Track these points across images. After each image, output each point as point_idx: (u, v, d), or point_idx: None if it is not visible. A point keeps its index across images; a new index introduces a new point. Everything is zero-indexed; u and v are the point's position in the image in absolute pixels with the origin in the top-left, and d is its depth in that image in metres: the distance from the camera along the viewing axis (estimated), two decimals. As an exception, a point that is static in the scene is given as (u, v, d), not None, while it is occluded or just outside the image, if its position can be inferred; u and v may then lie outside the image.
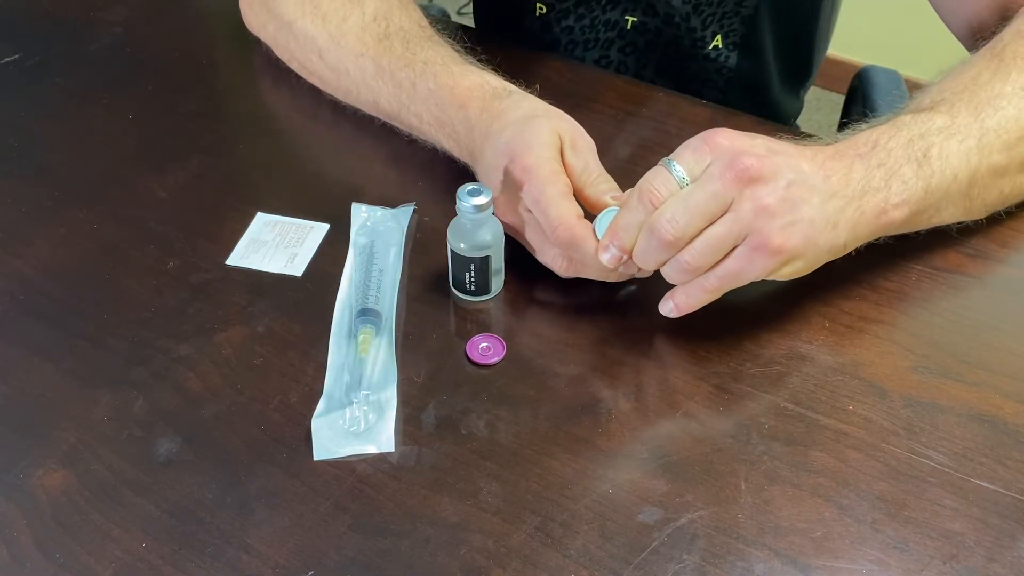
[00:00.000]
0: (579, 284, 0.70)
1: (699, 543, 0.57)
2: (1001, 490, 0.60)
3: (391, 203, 0.78)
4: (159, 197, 0.80)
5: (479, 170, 0.74)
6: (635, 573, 0.56)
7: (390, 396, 0.64)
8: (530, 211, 0.68)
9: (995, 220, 0.79)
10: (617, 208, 0.66)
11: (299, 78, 0.91)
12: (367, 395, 0.64)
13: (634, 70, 1.02)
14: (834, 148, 0.64)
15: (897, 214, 0.64)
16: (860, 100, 1.13)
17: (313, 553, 0.57)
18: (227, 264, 0.74)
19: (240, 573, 0.56)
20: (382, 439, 0.62)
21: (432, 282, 0.72)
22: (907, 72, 1.17)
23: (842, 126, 1.21)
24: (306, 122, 0.90)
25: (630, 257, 0.64)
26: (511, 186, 0.69)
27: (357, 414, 0.63)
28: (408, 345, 0.68)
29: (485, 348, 0.67)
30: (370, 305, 0.69)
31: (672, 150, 0.78)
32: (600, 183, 0.69)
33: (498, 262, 0.70)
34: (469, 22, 1.15)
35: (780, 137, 0.64)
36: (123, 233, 0.77)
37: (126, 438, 0.63)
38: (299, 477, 0.60)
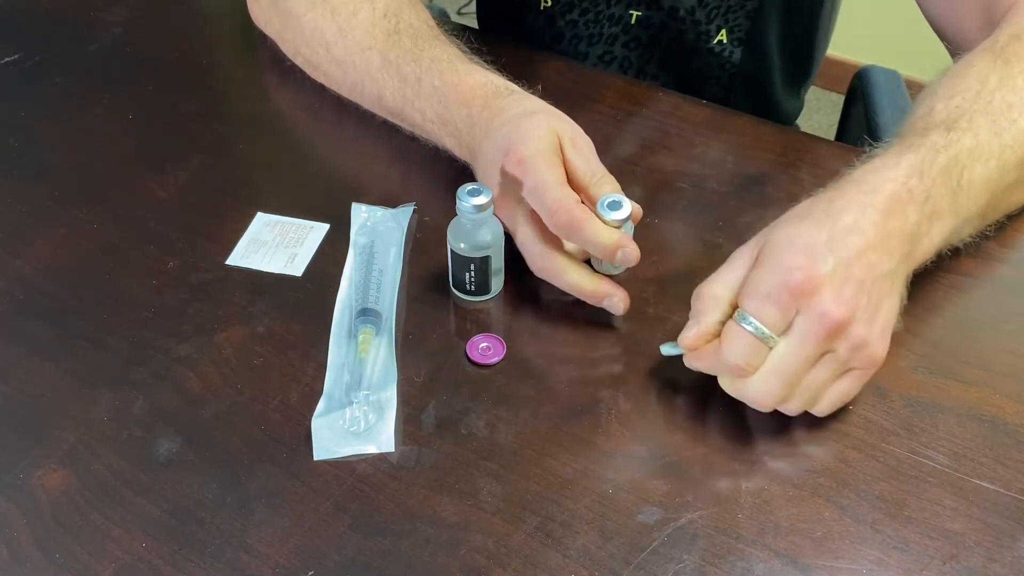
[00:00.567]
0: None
1: (699, 543, 0.57)
2: (1001, 490, 0.60)
3: (391, 203, 0.78)
4: (159, 197, 0.80)
5: (478, 167, 0.74)
6: (635, 573, 0.56)
7: (390, 396, 0.64)
8: (524, 203, 0.67)
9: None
10: (616, 196, 0.66)
11: (300, 78, 0.91)
12: (367, 395, 0.64)
13: (638, 66, 1.02)
14: (888, 202, 0.60)
15: (932, 246, 0.64)
16: (860, 100, 1.13)
17: (313, 553, 0.57)
18: (227, 264, 0.74)
19: (240, 573, 0.56)
20: (382, 439, 0.62)
21: (432, 282, 0.72)
22: (907, 72, 1.17)
23: (842, 127, 1.21)
24: (306, 122, 0.89)
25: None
26: (507, 181, 0.69)
27: (357, 414, 0.63)
28: (408, 345, 0.68)
29: (485, 348, 0.67)
30: (370, 305, 0.69)
31: (672, 150, 0.78)
32: (604, 183, 0.68)
33: (498, 262, 0.70)
34: (469, 22, 1.14)
35: (817, 193, 0.62)
36: (123, 233, 0.77)
37: (126, 438, 0.63)
38: (299, 477, 0.60)
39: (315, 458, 0.61)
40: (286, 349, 0.68)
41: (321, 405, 0.64)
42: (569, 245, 0.69)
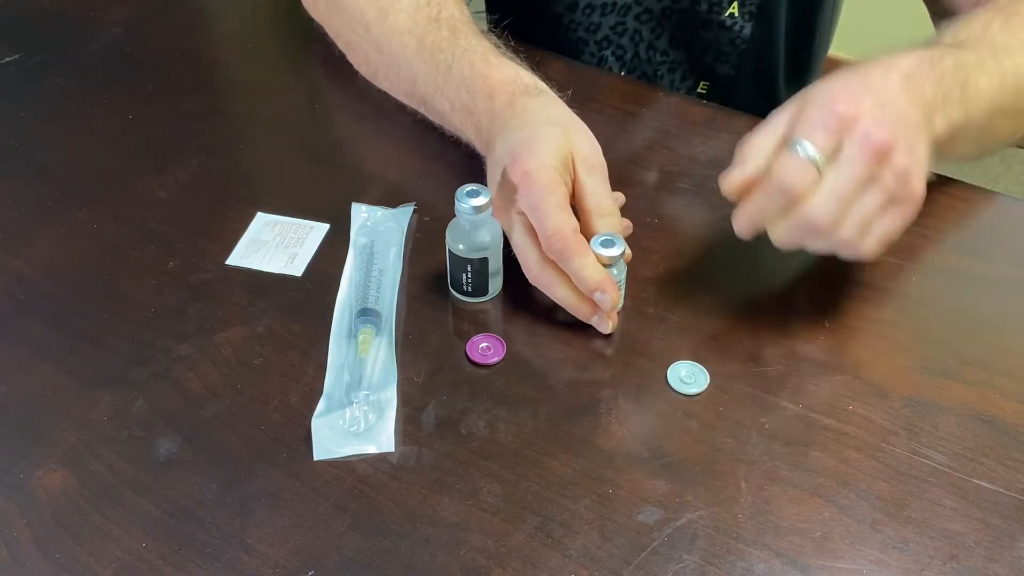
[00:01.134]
0: (579, 284, 0.70)
1: (699, 543, 0.57)
2: (1001, 490, 0.60)
3: (391, 203, 0.78)
4: (159, 197, 0.80)
5: (488, 163, 0.74)
6: (635, 573, 0.56)
7: (390, 396, 0.64)
8: (521, 214, 0.67)
9: (995, 219, 0.79)
10: (611, 236, 0.66)
11: (299, 78, 0.91)
12: (367, 395, 0.64)
13: (648, 40, 1.01)
14: (907, 72, 0.65)
15: (945, 133, 0.66)
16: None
17: (313, 553, 0.57)
18: (227, 264, 0.74)
19: (240, 573, 0.56)
20: (382, 439, 0.62)
21: (432, 282, 0.72)
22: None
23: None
24: (306, 122, 0.90)
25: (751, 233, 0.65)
26: (508, 188, 0.68)
27: (357, 414, 0.63)
28: (408, 345, 0.68)
29: (485, 348, 0.68)
30: (370, 305, 0.69)
31: (672, 150, 0.78)
32: (607, 219, 0.68)
33: (496, 264, 0.70)
34: (475, 7, 1.14)
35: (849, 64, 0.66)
36: (123, 233, 0.77)
37: (126, 438, 0.63)
38: (299, 477, 0.60)
39: (315, 458, 0.61)
40: (286, 349, 0.68)
41: (321, 405, 0.64)
42: None
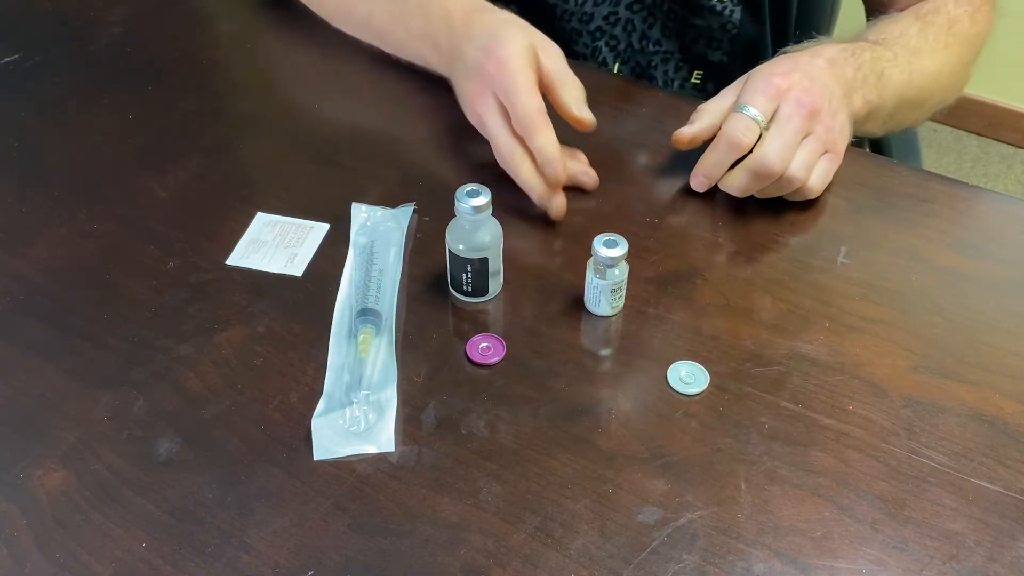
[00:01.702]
0: (580, 284, 0.70)
1: (699, 543, 0.57)
2: (1001, 490, 0.60)
3: (391, 203, 0.78)
4: (159, 197, 0.80)
5: (457, 71, 0.81)
6: (635, 573, 0.56)
7: (390, 396, 0.64)
8: (495, 99, 0.76)
9: (995, 219, 0.79)
10: (613, 236, 0.68)
11: (299, 78, 0.91)
12: (367, 395, 0.64)
13: (641, 30, 1.02)
14: (831, 58, 0.78)
15: (862, 110, 0.80)
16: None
17: (313, 553, 0.57)
18: (227, 264, 0.74)
19: (240, 573, 0.56)
20: (382, 439, 0.62)
21: (432, 282, 0.72)
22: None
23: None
24: (306, 122, 0.89)
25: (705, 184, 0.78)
26: (485, 78, 0.76)
27: (357, 414, 0.63)
28: (408, 345, 0.68)
29: (485, 348, 0.68)
30: (370, 305, 0.69)
31: (671, 149, 0.78)
32: (571, 88, 0.78)
33: (496, 264, 0.70)
34: None
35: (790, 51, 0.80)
36: (123, 233, 0.77)
37: (126, 438, 0.63)
38: (299, 477, 0.60)
39: (315, 458, 0.61)
40: (286, 349, 0.68)
41: (321, 405, 0.64)
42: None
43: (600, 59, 1.02)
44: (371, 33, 0.92)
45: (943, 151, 2.30)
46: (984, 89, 2.27)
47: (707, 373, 0.66)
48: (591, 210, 0.78)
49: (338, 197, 0.78)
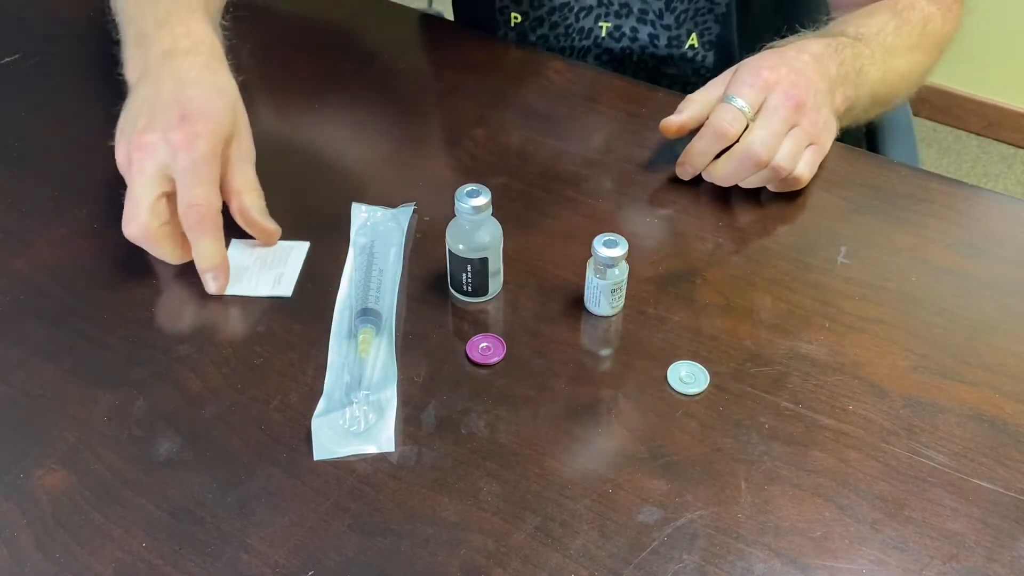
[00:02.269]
0: (580, 284, 0.70)
1: (699, 543, 0.57)
2: (1001, 490, 0.60)
3: (391, 203, 0.78)
4: (159, 197, 0.80)
5: (136, 97, 0.72)
6: (635, 573, 0.56)
7: (390, 396, 0.64)
8: (161, 167, 0.68)
9: (995, 219, 0.79)
10: (613, 236, 0.67)
11: (298, 77, 0.90)
12: (367, 395, 0.64)
13: None
14: (816, 53, 0.80)
15: (842, 105, 0.81)
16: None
17: (313, 553, 0.57)
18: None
19: (240, 573, 0.56)
20: (382, 439, 0.62)
21: (432, 282, 0.72)
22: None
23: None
24: (306, 121, 0.89)
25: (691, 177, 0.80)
26: (166, 139, 0.68)
27: (357, 414, 0.63)
28: (408, 345, 0.68)
29: (485, 348, 0.68)
30: (370, 305, 0.69)
31: (671, 150, 0.78)
32: (255, 195, 0.73)
33: (496, 264, 0.70)
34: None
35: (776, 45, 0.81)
36: (123, 233, 0.76)
37: (126, 438, 0.63)
38: (299, 477, 0.60)
39: (315, 458, 0.61)
40: (286, 349, 0.68)
41: (321, 405, 0.64)
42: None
43: None
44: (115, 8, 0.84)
45: (943, 151, 2.30)
46: (984, 89, 2.27)
47: (707, 373, 0.66)
48: (591, 210, 0.78)
49: (338, 197, 0.78)
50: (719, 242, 0.76)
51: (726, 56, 1.00)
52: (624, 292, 0.69)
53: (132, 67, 0.77)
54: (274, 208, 0.78)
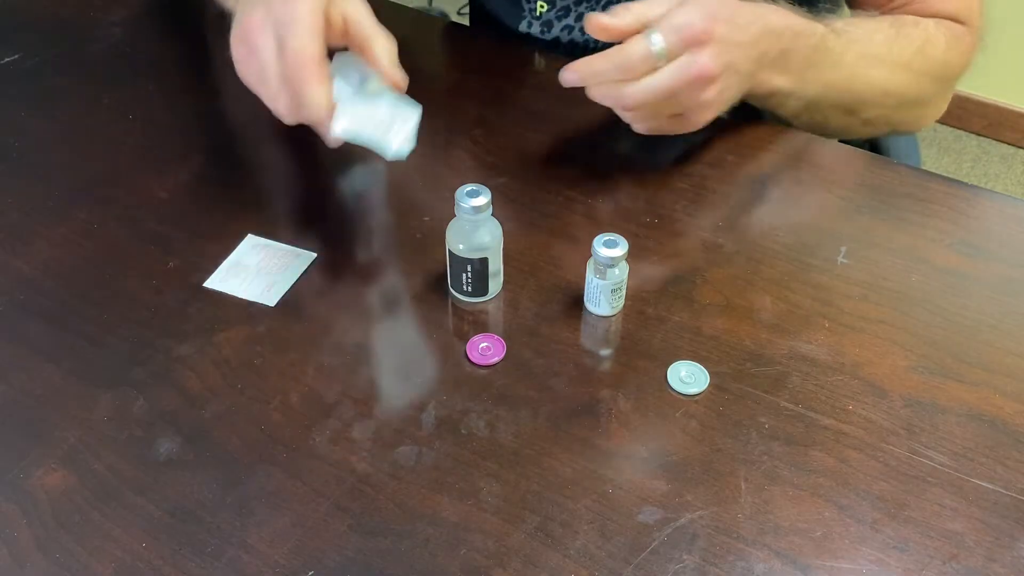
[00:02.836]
0: (580, 284, 0.70)
1: (699, 543, 0.57)
2: (1001, 490, 0.60)
3: (391, 203, 0.77)
4: (159, 197, 0.80)
5: (241, 3, 0.74)
6: (635, 573, 0.56)
7: (414, 111, 0.69)
8: (274, 38, 0.69)
9: (995, 219, 0.79)
10: (613, 236, 0.67)
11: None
12: (390, 92, 0.69)
13: None
14: (772, 26, 0.76)
15: (763, 87, 0.78)
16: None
17: (313, 553, 0.57)
18: (204, 286, 0.72)
19: (240, 573, 0.56)
20: (400, 140, 0.67)
21: (432, 282, 0.72)
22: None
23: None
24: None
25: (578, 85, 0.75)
26: (269, 8, 0.69)
27: (380, 114, 0.67)
28: (408, 345, 0.68)
29: (485, 348, 0.68)
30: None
31: (671, 147, 0.78)
32: (382, 40, 0.72)
33: (496, 264, 0.70)
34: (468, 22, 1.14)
35: None
36: (123, 233, 0.77)
37: (126, 438, 0.63)
38: (299, 477, 0.60)
39: (335, 132, 0.65)
40: (286, 349, 0.68)
41: (338, 111, 0.67)
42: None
43: None
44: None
45: (943, 151, 2.30)
46: (984, 89, 2.27)
47: (707, 373, 0.66)
48: (591, 210, 0.78)
49: (338, 197, 0.78)
50: (719, 242, 0.76)
51: None
52: (624, 292, 0.69)
53: None
54: (274, 210, 0.78)
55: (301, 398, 0.65)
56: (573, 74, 0.74)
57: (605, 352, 0.68)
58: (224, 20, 0.87)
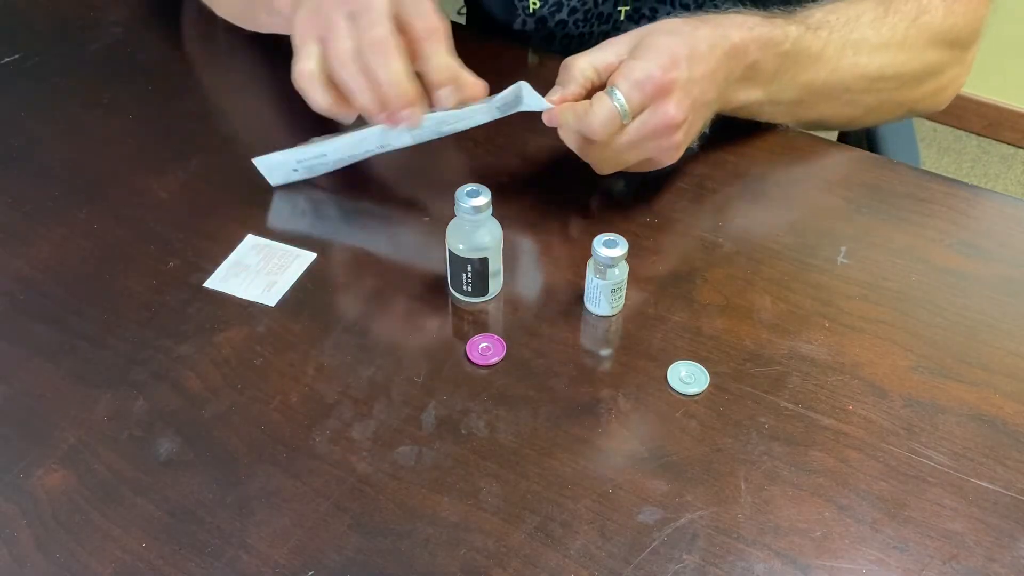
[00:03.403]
0: (580, 284, 0.70)
1: (699, 543, 0.57)
2: (1001, 490, 0.60)
3: (391, 203, 0.77)
4: (159, 197, 0.80)
5: (298, 12, 0.73)
6: (635, 573, 0.56)
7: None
8: (344, 20, 0.68)
9: (995, 219, 0.79)
10: (613, 236, 0.67)
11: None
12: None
13: None
14: (735, 44, 0.72)
15: (737, 104, 0.76)
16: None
17: (313, 553, 0.57)
18: (204, 287, 0.72)
19: (240, 573, 0.56)
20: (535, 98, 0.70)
21: (432, 282, 0.72)
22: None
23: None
24: (306, 121, 0.89)
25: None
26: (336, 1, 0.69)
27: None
28: (408, 345, 0.68)
29: (485, 348, 0.68)
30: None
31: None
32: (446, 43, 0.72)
33: (496, 264, 0.70)
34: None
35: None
36: (123, 233, 0.77)
37: (126, 438, 0.63)
38: (299, 477, 0.60)
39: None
40: (286, 349, 0.68)
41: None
42: None
43: None
44: (262, 28, 0.88)
45: (943, 151, 2.30)
46: (984, 89, 2.27)
47: (707, 373, 0.66)
48: (591, 210, 0.78)
49: (338, 198, 0.78)
50: (719, 242, 0.76)
51: None
52: (624, 292, 0.69)
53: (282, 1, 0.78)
54: (274, 210, 0.78)
55: (301, 398, 0.65)
56: (552, 117, 0.72)
57: (605, 352, 0.68)
58: (234, 32, 0.87)
